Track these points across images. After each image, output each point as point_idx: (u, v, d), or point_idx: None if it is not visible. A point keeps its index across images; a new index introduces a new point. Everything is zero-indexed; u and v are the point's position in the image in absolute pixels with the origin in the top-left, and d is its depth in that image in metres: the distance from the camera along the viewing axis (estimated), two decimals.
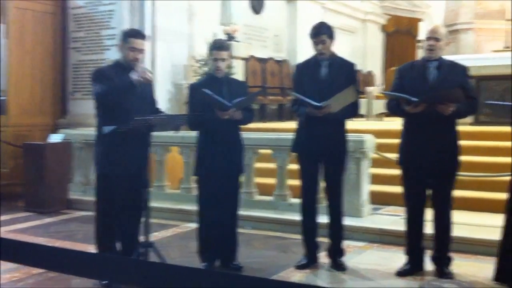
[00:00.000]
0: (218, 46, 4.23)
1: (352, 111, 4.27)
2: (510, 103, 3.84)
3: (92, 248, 4.32)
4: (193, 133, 4.51)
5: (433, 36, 4.00)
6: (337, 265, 4.33)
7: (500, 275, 3.88)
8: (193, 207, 4.64)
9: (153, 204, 5.63)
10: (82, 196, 7.00)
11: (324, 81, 4.22)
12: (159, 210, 6.10)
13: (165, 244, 5.12)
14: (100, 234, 4.15)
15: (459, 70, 4.07)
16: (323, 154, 4.27)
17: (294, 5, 11.60)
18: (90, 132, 7.23)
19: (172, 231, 5.72)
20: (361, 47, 14.27)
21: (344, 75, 4.22)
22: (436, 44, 3.99)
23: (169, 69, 8.55)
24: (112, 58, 8.03)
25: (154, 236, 5.27)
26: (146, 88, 4.19)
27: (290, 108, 4.83)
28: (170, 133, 4.15)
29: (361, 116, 10.68)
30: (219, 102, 4.05)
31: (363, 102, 10.45)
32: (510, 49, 12.10)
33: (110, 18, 8.17)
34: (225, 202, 4.29)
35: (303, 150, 4.34)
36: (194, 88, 4.34)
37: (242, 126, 4.43)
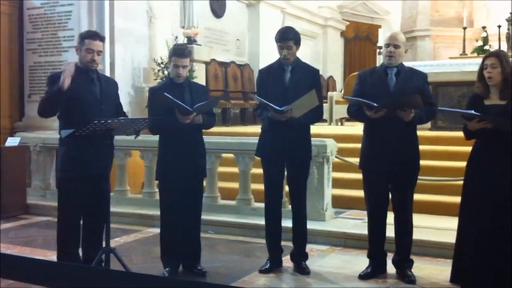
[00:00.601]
0: (179, 53, 4.20)
1: (316, 115, 4.30)
2: (460, 110, 3.92)
3: (52, 254, 4.21)
4: (155, 137, 4.46)
5: (392, 43, 4.06)
6: (301, 268, 4.34)
7: (454, 277, 3.97)
8: (156, 212, 4.58)
9: (115, 209, 5.58)
10: (41, 201, 6.84)
11: (288, 86, 4.23)
12: (121, 215, 6.03)
13: (127, 249, 5.04)
14: (62, 240, 4.04)
15: (418, 76, 4.14)
16: (287, 158, 4.28)
17: (256, 10, 11.63)
18: (48, 135, 7.10)
19: (134, 236, 5.64)
20: (322, 53, 14.42)
21: (308, 80, 4.24)
22: (395, 51, 4.06)
23: (129, 72, 8.44)
24: (69, 60, 7.91)
25: (116, 242, 5.20)
26: (109, 90, 4.13)
27: (253, 112, 4.84)
28: (131, 137, 4.08)
29: (323, 120, 10.80)
30: (180, 106, 4.01)
31: (324, 107, 10.55)
32: (466, 55, 12.47)
33: (68, 19, 8.01)
34: (187, 207, 4.25)
35: (267, 155, 4.34)
36: (154, 92, 4.30)
37: (204, 130, 4.41)
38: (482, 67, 3.85)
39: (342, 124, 10.35)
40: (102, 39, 4.05)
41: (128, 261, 4.30)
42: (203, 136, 4.44)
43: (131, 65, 8.50)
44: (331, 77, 14.28)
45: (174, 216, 4.23)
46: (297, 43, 4.25)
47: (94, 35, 4.03)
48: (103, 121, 3.73)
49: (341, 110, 9.42)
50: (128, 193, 6.65)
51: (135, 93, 8.49)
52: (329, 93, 10.61)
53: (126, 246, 5.23)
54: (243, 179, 5.98)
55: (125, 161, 6.54)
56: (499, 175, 3.73)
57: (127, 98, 8.25)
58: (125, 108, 7.96)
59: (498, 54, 3.84)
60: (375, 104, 3.88)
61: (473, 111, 3.70)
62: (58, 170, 4.05)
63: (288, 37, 4.21)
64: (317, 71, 4.43)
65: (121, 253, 4.19)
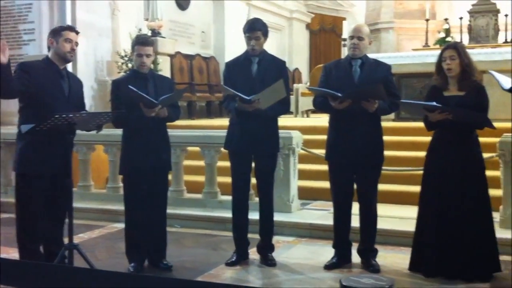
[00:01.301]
0: (141, 41, 4.15)
1: (283, 107, 4.31)
2: (421, 102, 3.99)
3: (14, 252, 4.12)
4: (119, 131, 4.40)
5: (356, 35, 4.10)
6: (267, 260, 4.35)
7: (413, 265, 4.04)
8: (120, 206, 4.52)
9: (78, 204, 5.49)
10: (3, 197, 6.67)
11: (255, 78, 4.23)
12: (85, 210, 5.93)
13: (91, 245, 4.98)
14: (22, 237, 3.96)
15: (382, 68, 4.18)
16: (254, 150, 4.28)
17: (221, 2, 11.55)
18: (9, 130, 6.92)
19: (98, 232, 5.57)
20: (287, 45, 14.43)
21: (275, 72, 4.24)
22: (360, 43, 4.09)
23: (92, 65, 8.30)
24: (30, 53, 7.73)
25: (80, 238, 5.12)
26: (76, 88, 4.05)
27: (220, 105, 4.82)
28: (94, 131, 4.01)
29: (289, 112, 10.82)
30: (144, 99, 3.96)
31: (290, 99, 10.58)
32: (429, 47, 12.66)
33: (28, 11, 7.84)
34: (152, 201, 4.21)
35: (235, 147, 4.32)
36: (117, 85, 4.23)
37: (169, 124, 4.37)
38: (440, 60, 3.92)
39: (308, 116, 10.39)
40: (77, 32, 4.01)
41: (92, 257, 4.25)
42: (169, 130, 4.40)
43: (94, 59, 8.37)
44: (296, 69, 14.32)
45: (139, 211, 4.18)
46: (265, 34, 4.25)
47: (71, 27, 4.01)
48: (64, 116, 3.65)
49: (307, 102, 9.47)
50: (92, 188, 6.55)
51: (98, 87, 8.36)
52: (295, 85, 10.63)
53: (91, 242, 5.16)
54: (209, 172, 5.96)
55: (88, 156, 6.45)
56: (457, 165, 3.82)
57: (90, 92, 8.12)
58: (88, 102, 7.91)
59: (456, 46, 3.92)
60: (339, 94, 3.90)
61: (434, 103, 3.77)
62: (16, 165, 3.95)
63: (256, 28, 4.21)
64: (283, 63, 4.44)
65: (85, 249, 4.12)
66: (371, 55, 8.59)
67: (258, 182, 4.40)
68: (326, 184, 4.45)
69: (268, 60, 4.32)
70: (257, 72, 4.25)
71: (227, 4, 11.55)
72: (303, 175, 6.14)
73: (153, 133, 4.15)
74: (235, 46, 4.20)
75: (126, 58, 8.18)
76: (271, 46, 13.42)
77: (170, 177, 5.79)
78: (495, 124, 4.34)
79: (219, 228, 5.38)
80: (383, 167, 4.33)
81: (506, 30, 12.63)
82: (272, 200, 4.43)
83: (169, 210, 4.63)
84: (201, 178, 6.13)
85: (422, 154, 4.18)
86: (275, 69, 4.28)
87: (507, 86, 3.53)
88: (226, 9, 11.46)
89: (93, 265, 3.94)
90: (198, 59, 10.73)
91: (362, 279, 1.77)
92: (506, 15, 12.54)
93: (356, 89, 4.01)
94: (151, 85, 4.18)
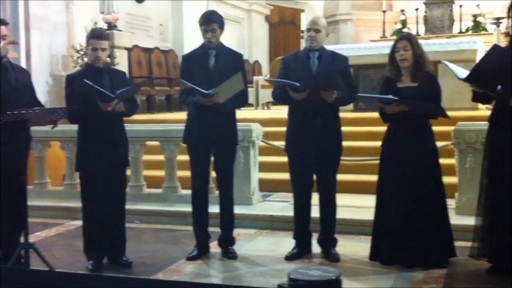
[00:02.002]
0: (96, 35, 4.07)
1: (242, 100, 4.31)
2: (378, 95, 4.04)
3: None
4: (75, 127, 4.31)
5: (313, 28, 4.12)
6: (229, 253, 4.35)
7: (373, 254, 4.10)
8: (78, 204, 4.44)
9: (35, 202, 5.39)
10: None
11: (213, 71, 4.21)
12: (41, 208, 5.81)
13: (49, 244, 4.88)
14: None
15: (339, 59, 4.21)
16: (213, 144, 4.25)
17: None
18: None
19: (56, 230, 5.46)
20: (247, 37, 14.40)
21: (232, 65, 4.22)
22: (317, 35, 4.11)
23: (47, 60, 8.11)
24: None
25: (37, 237, 5.02)
26: (24, 79, 3.95)
27: (178, 98, 4.77)
28: (50, 127, 3.92)
29: (249, 105, 10.82)
30: (101, 93, 3.89)
31: (250, 91, 10.58)
32: (386, 38, 12.82)
33: None
34: (110, 197, 4.15)
35: (194, 141, 4.30)
36: (72, 79, 4.14)
37: (128, 118, 4.31)
38: (393, 51, 3.97)
39: (268, 108, 10.42)
40: (5, 24, 3.87)
41: (49, 256, 4.17)
42: (127, 124, 4.34)
43: (49, 53, 8.17)
44: (256, 61, 14.31)
45: (97, 208, 4.12)
46: (221, 26, 4.23)
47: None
48: (16, 112, 3.56)
49: (267, 94, 9.46)
50: (48, 185, 6.42)
51: (53, 82, 8.17)
52: (255, 78, 10.64)
53: (48, 240, 5.06)
54: (169, 166, 5.90)
55: (44, 153, 6.31)
56: (412, 154, 3.90)
57: (45, 87, 7.94)
58: (44, 97, 7.75)
59: (409, 37, 3.98)
60: (298, 84, 3.92)
61: (391, 96, 3.83)
62: None
63: (212, 20, 4.18)
64: (241, 55, 4.42)
65: (42, 248, 4.05)
66: (330, 47, 8.66)
67: (217, 175, 4.39)
68: (286, 176, 4.47)
69: (225, 53, 4.30)
70: (215, 65, 4.23)
71: None
72: (263, 167, 6.16)
73: (109, 128, 4.08)
74: (194, 39, 4.17)
75: (82, 52, 8.02)
76: (230, 38, 13.40)
77: (129, 172, 5.72)
78: (450, 113, 4.44)
79: (180, 223, 5.34)
80: (342, 158, 4.37)
81: (461, 20, 12.89)
82: (232, 193, 4.43)
83: (129, 206, 4.57)
84: (161, 173, 6.08)
85: (380, 144, 4.24)
86: (233, 62, 4.26)
87: (462, 76, 3.60)
88: (184, 2, 11.33)
89: (50, 263, 3.86)
90: (156, 52, 10.60)
91: (310, 271, 1.79)
92: (460, 6, 12.80)
93: (316, 79, 4.03)
94: (106, 79, 4.12)
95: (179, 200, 5.72)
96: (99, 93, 3.90)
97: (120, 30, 9.10)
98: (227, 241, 4.40)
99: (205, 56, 4.25)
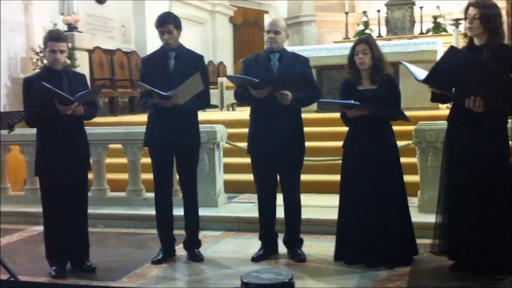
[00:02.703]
0: (54, 37, 4.00)
1: (203, 101, 4.29)
2: (339, 100, 4.08)
3: None
4: (34, 130, 4.21)
5: (273, 29, 4.13)
6: (194, 256, 4.32)
7: (338, 253, 4.13)
8: (40, 209, 4.35)
9: None
10: None
11: (173, 73, 4.18)
12: (2, 214, 5.64)
13: (10, 250, 4.78)
14: None
15: (300, 61, 4.23)
16: (175, 146, 4.22)
17: None
18: None
19: (17, 235, 5.34)
20: (211, 39, 14.35)
21: (193, 66, 4.19)
22: (276, 37, 4.12)
23: (5, 62, 7.92)
24: None
25: None
26: None
27: (139, 101, 4.72)
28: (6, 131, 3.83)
29: (214, 106, 10.78)
30: (60, 96, 3.82)
31: (215, 92, 10.54)
32: (349, 39, 12.96)
33: None
34: (72, 201, 4.08)
35: (155, 144, 4.26)
36: (29, 82, 4.06)
37: (90, 121, 4.25)
38: (352, 54, 4.01)
39: (233, 110, 10.41)
40: None
41: (11, 262, 4.10)
42: (89, 127, 4.27)
43: (7, 55, 7.99)
44: (221, 63, 14.27)
45: (58, 212, 4.05)
46: (178, 27, 4.20)
47: None
48: None
49: (232, 96, 9.42)
50: (9, 190, 6.27)
51: (12, 85, 7.99)
52: (219, 79, 10.60)
53: (9, 246, 4.95)
54: (132, 169, 5.83)
55: (4, 157, 6.15)
56: (373, 155, 3.95)
57: (4, 90, 7.76)
58: (2, 100, 7.56)
59: (367, 40, 4.03)
60: (256, 80, 3.91)
61: (352, 101, 3.87)
62: None
63: (167, 21, 4.15)
64: (201, 57, 4.40)
65: (4, 254, 3.97)
66: (294, 48, 8.71)
67: (180, 178, 4.36)
68: (252, 177, 4.45)
69: (185, 54, 4.27)
70: (175, 67, 4.20)
71: None
72: (229, 168, 6.14)
73: (69, 132, 4.01)
74: (157, 40, 4.13)
75: (41, 54, 7.85)
76: (194, 39, 13.37)
77: (91, 176, 5.64)
78: (411, 113, 4.51)
79: (145, 226, 5.28)
80: (306, 158, 4.39)
81: (421, 22, 13.13)
82: (196, 195, 4.40)
83: (92, 210, 4.50)
84: (124, 176, 6.00)
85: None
86: (193, 63, 4.23)
87: (421, 77, 3.65)
88: (147, 3, 11.22)
89: (11, 270, 3.76)
90: (118, 54, 10.46)
91: (262, 274, 1.80)
92: (421, 7, 13.04)
93: (274, 76, 4.05)
94: (65, 82, 4.05)
95: (144, 203, 5.65)
96: (58, 96, 3.83)
97: (81, 32, 8.95)
98: (192, 244, 4.37)
99: (165, 58, 4.22)
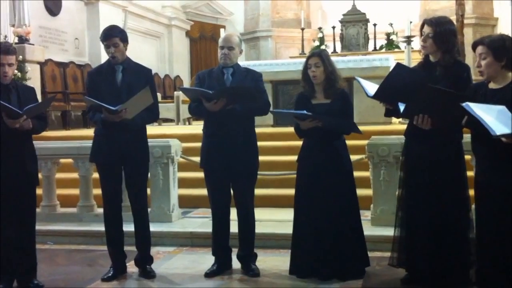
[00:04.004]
0: (3, 50, 3.88)
1: (152, 115, 4.24)
2: (292, 111, 4.11)
3: None
4: None
5: (226, 45, 4.15)
6: (146, 273, 4.23)
7: (293, 267, 4.11)
8: None
9: None
10: None
11: (120, 87, 4.12)
12: None
13: None
14: None
15: (253, 75, 4.24)
16: (123, 161, 4.14)
17: (95, 8, 11.17)
18: None
19: None
20: (167, 52, 14.29)
21: (141, 80, 4.14)
22: (230, 53, 4.14)
23: None
24: None
25: None
26: None
27: (86, 116, 4.63)
28: None
29: (170, 120, 10.70)
30: (7, 109, 3.70)
31: (171, 106, 10.46)
32: (305, 55, 13.12)
33: None
34: (19, 218, 3.93)
35: (102, 159, 4.18)
36: None
37: (40, 135, 4.15)
38: (306, 67, 4.05)
39: (189, 124, 10.35)
40: None
41: None
42: (39, 141, 4.14)
43: None
44: (177, 76, 14.23)
45: (5, 229, 3.89)
46: (124, 40, 4.15)
47: None
48: None
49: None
50: None
51: None
52: (175, 93, 10.53)
53: None
54: (83, 184, 5.69)
55: None
56: (327, 169, 3.97)
57: None
58: None
59: (320, 54, 4.07)
60: (210, 92, 3.90)
61: (305, 111, 3.89)
62: None
63: (112, 35, 4.10)
64: (149, 70, 4.35)
65: None
66: (250, 62, 8.71)
67: (129, 193, 4.27)
68: (207, 192, 4.42)
69: (132, 68, 4.22)
70: (122, 81, 4.14)
71: (102, 10, 11.20)
72: (184, 183, 6.07)
73: (17, 146, 3.88)
74: None
75: None
76: (150, 53, 13.29)
77: (40, 191, 5.48)
78: (365, 128, 4.56)
79: (96, 243, 5.14)
80: (262, 172, 4.38)
81: (375, 38, 13.43)
82: (146, 211, 4.33)
83: (41, 227, 4.37)
84: (75, 191, 5.85)
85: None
86: (141, 77, 4.18)
87: (371, 93, 3.70)
88: (101, 15, 11.09)
89: None
90: (72, 67, 10.28)
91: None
92: (375, 25, 13.34)
93: (228, 87, 4.06)
94: (14, 95, 3.93)
95: (95, 219, 5.51)
96: (5, 109, 3.71)
97: (32, 44, 8.75)
98: (144, 260, 4.28)
99: (111, 72, 4.16)
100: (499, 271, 3.26)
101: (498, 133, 2.91)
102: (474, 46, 3.35)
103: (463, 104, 3.07)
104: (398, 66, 3.61)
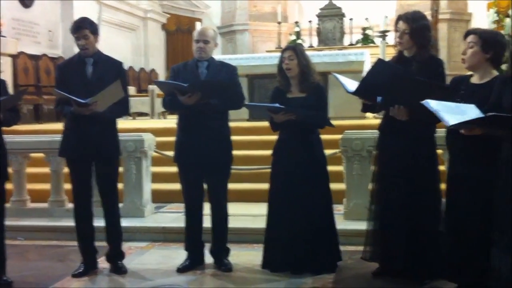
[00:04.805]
0: None
1: (123, 109, 4.19)
2: (265, 104, 4.10)
3: None
4: None
5: (202, 39, 4.11)
6: (117, 268, 4.19)
7: (265, 262, 4.12)
8: None
9: None
10: None
11: (91, 80, 4.06)
12: None
13: None
14: None
15: (228, 69, 4.21)
16: (93, 155, 4.08)
17: (69, 0, 10.98)
18: None
19: None
20: (143, 45, 14.14)
21: (112, 73, 4.08)
22: (205, 46, 4.10)
23: None
24: None
25: None
26: None
27: (54, 109, 4.55)
28: None
29: (145, 114, 10.60)
30: None
31: (146, 100, 10.37)
32: (281, 49, 13.13)
33: None
34: None
35: (71, 154, 4.12)
36: None
37: (11, 128, 4.07)
38: (281, 61, 4.05)
39: (164, 118, 10.27)
40: None
41: None
42: (10, 135, 4.07)
43: None
44: (153, 70, 14.10)
45: None
46: (94, 32, 4.09)
47: None
48: None
49: None
50: None
51: None
52: (150, 87, 10.44)
53: None
54: (55, 179, 5.61)
55: None
56: (301, 163, 3.97)
57: None
58: None
59: (293, 47, 4.09)
60: (185, 85, 3.86)
61: (277, 104, 3.88)
62: None
63: (83, 26, 4.05)
64: (120, 63, 4.28)
65: None
66: (227, 56, 8.66)
67: (100, 188, 4.21)
68: (179, 186, 4.38)
69: (104, 61, 4.15)
70: (93, 74, 4.08)
71: (76, 1, 11.01)
72: (158, 178, 6.02)
73: None
74: None
75: None
76: (125, 46, 13.14)
77: (11, 186, 5.39)
78: (339, 122, 4.56)
79: (67, 238, 5.04)
80: (236, 167, 4.36)
81: (351, 33, 13.48)
82: (117, 206, 4.27)
83: (11, 222, 4.30)
84: (46, 186, 5.76)
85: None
86: (112, 70, 4.13)
87: (351, 89, 3.70)
88: (75, 7, 10.90)
89: None
90: (44, 59, 10.11)
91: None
92: (351, 19, 13.39)
93: (202, 80, 4.03)
94: None
95: (66, 214, 5.41)
96: None
97: (4, 36, 8.58)
98: (115, 256, 4.24)
99: (82, 65, 4.09)
100: (469, 262, 3.31)
101: (452, 123, 2.93)
102: (466, 35, 3.38)
103: (422, 102, 3.09)
104: (380, 62, 3.62)
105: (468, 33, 3.39)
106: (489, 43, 3.26)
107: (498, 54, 3.29)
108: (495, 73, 3.34)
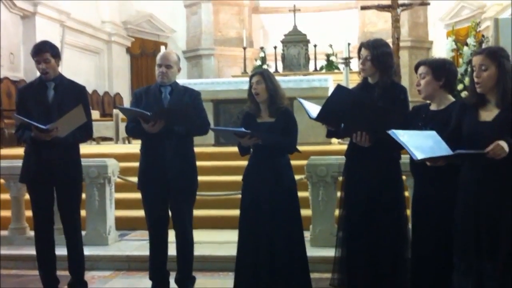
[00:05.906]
0: None
1: (85, 134, 4.13)
2: (231, 128, 4.09)
3: None
4: None
5: (164, 64, 4.10)
6: None
7: None
8: None
9: None
10: None
11: (52, 104, 4.00)
12: None
13: None
14: None
15: (191, 94, 4.20)
16: (54, 181, 4.00)
17: (31, 22, 10.82)
18: None
19: None
20: (107, 68, 14.01)
21: (74, 97, 4.03)
22: (168, 71, 4.09)
23: None
24: None
25: None
26: None
27: (14, 134, 4.44)
28: None
29: (109, 139, 10.47)
30: None
31: (110, 124, 10.25)
32: (247, 74, 13.20)
33: None
34: None
35: (32, 179, 4.03)
36: None
37: None
38: (250, 86, 4.06)
39: (129, 142, 10.14)
40: None
41: None
42: None
43: None
44: (117, 94, 13.98)
45: None
46: (56, 56, 4.05)
47: None
48: None
49: None
50: None
51: None
52: (114, 111, 10.34)
53: None
54: (15, 206, 5.46)
55: None
56: (270, 188, 3.95)
57: None
58: None
59: (261, 72, 4.10)
60: (148, 113, 3.83)
61: (243, 129, 3.88)
62: None
63: (43, 50, 4.00)
64: (83, 87, 4.24)
65: None
66: (192, 81, 8.63)
67: (61, 215, 4.12)
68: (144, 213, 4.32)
69: (65, 85, 4.10)
70: (54, 98, 4.02)
71: (39, 24, 10.85)
72: (121, 204, 5.92)
73: None
74: None
75: None
76: (89, 69, 13.02)
77: None
78: (304, 148, 4.57)
79: (28, 267, 4.91)
80: (202, 193, 4.32)
81: (315, 59, 13.67)
82: (79, 233, 4.18)
83: None
84: (7, 213, 5.60)
85: (241, 178, 4.23)
86: (74, 94, 4.08)
87: (313, 115, 3.73)
88: (38, 30, 10.75)
89: None
90: (6, 82, 9.91)
91: None
92: (315, 46, 13.58)
93: (165, 108, 4.00)
94: None
95: (27, 242, 5.27)
96: None
97: None
98: (77, 286, 4.13)
99: (43, 89, 4.04)
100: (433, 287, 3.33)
101: (419, 158, 2.98)
102: (417, 67, 3.49)
103: (389, 132, 3.14)
104: (338, 88, 3.65)
105: (418, 65, 3.51)
106: (439, 71, 3.39)
107: (449, 80, 3.43)
108: (451, 98, 3.45)
